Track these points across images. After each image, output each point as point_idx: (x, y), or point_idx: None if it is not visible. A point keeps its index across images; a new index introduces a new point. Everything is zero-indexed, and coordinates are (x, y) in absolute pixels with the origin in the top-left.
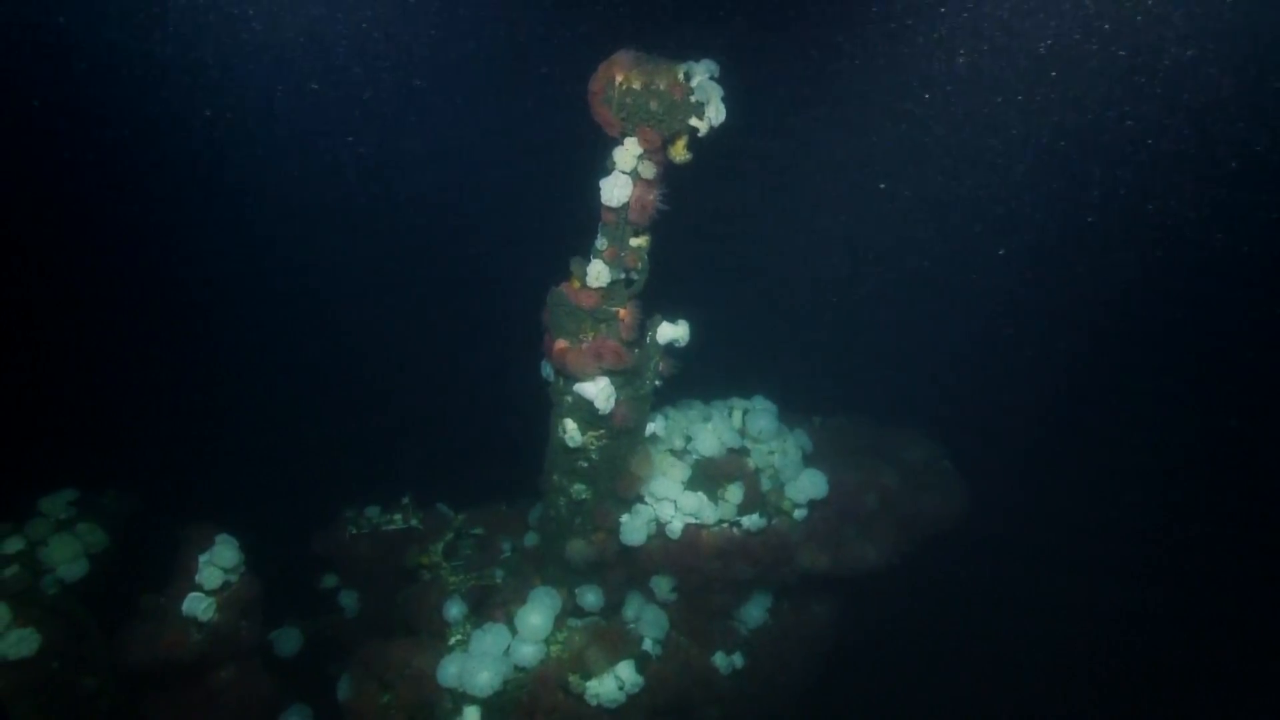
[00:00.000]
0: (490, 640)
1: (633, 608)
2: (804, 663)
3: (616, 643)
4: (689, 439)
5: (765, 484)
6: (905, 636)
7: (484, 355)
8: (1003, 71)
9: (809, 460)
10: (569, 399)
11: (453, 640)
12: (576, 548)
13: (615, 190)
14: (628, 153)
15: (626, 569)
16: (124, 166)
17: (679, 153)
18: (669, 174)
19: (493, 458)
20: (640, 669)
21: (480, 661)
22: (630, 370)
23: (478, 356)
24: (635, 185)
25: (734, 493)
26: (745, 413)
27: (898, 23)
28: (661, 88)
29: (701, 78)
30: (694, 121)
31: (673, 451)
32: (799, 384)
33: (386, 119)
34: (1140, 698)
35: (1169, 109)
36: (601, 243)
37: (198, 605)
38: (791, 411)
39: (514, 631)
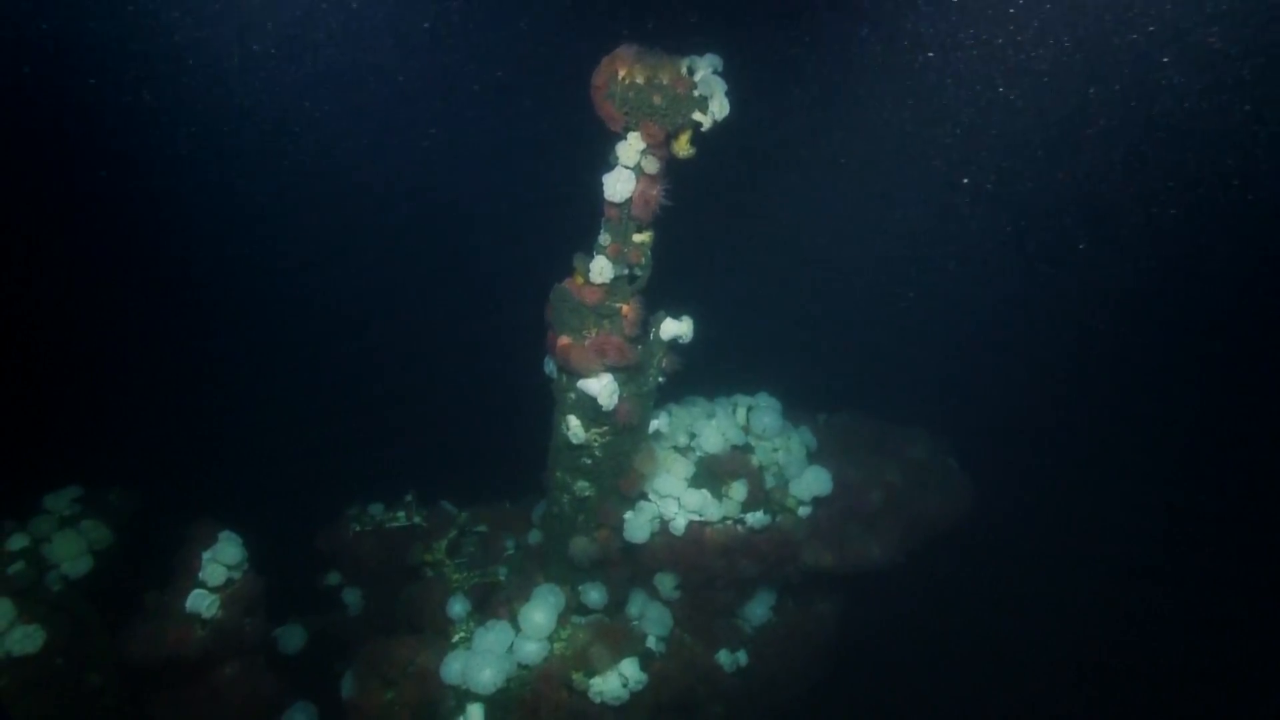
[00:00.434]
0: (494, 638)
1: (636, 605)
2: (808, 661)
3: (620, 640)
4: (693, 436)
5: (769, 481)
6: (909, 634)
7: (487, 352)
8: (1013, 64)
9: (813, 457)
10: (572, 396)
11: (456, 638)
12: (580, 545)
13: (618, 185)
14: (631, 148)
15: (630, 566)
16: (128, 166)
17: (682, 148)
18: (672, 169)
19: (496, 455)
20: (644, 666)
21: (484, 659)
22: (633, 367)
23: (480, 353)
24: (638, 180)
25: (738, 490)
26: (749, 410)
27: (907, 16)
28: (665, 82)
29: (705, 72)
30: (697, 116)
31: (676, 448)
32: (803, 381)
33: (388, 117)
34: (1143, 697)
35: (1175, 107)
36: (604, 238)
37: (201, 602)
38: (796, 408)
39: (517, 629)
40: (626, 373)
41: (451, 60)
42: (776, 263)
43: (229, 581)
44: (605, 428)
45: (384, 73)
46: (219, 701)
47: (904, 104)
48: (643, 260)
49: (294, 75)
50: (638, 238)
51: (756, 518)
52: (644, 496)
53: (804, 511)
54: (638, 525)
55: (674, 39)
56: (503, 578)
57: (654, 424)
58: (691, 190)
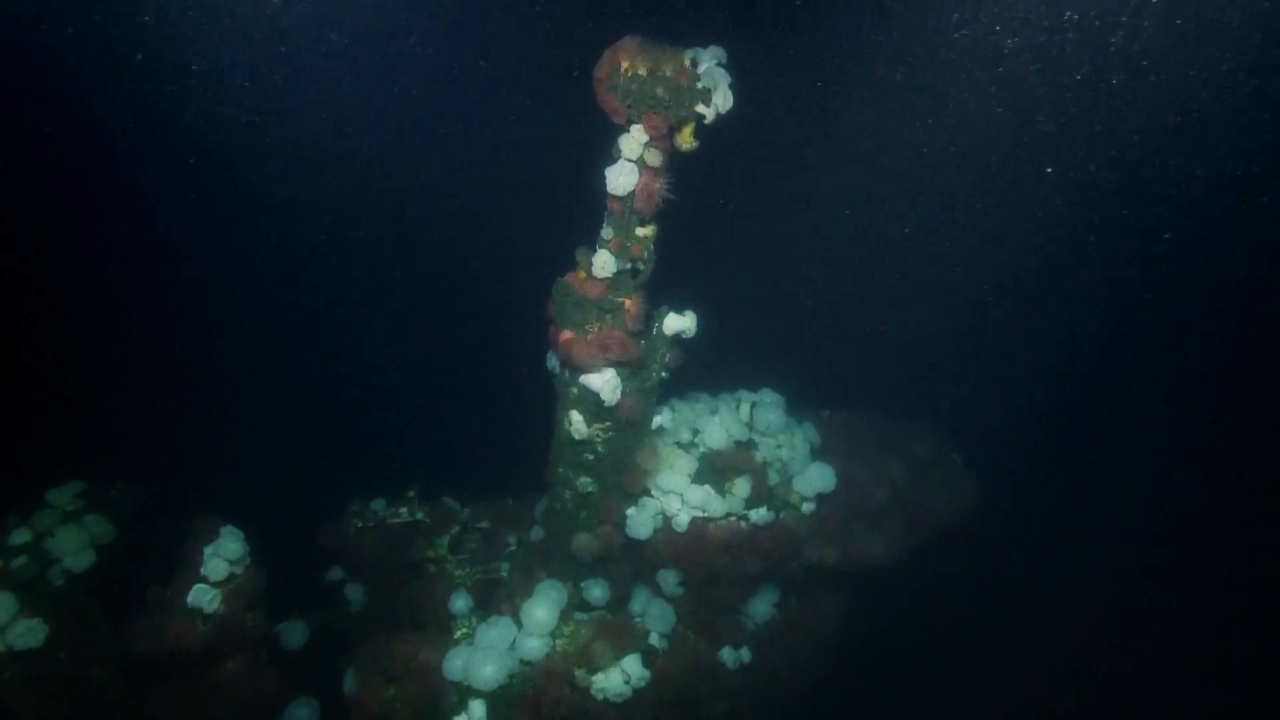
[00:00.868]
0: (496, 634)
1: (639, 602)
2: (811, 658)
3: (623, 637)
4: (696, 432)
5: (773, 478)
6: (913, 632)
7: (489, 347)
8: (1019, 59)
9: (817, 454)
10: (574, 391)
11: (458, 634)
12: (582, 541)
13: (621, 178)
14: (633, 140)
15: (633, 563)
16: (131, 164)
17: (685, 140)
18: (675, 162)
19: (499, 451)
20: (646, 663)
21: (486, 655)
22: (636, 362)
23: (483, 348)
24: (641, 173)
25: (741, 486)
26: (753, 406)
27: (914, 10)
28: (668, 74)
29: (709, 64)
30: (701, 108)
31: (679, 444)
32: (807, 377)
33: (390, 113)
34: (1148, 697)
35: (1182, 105)
36: (607, 232)
37: (203, 597)
38: (800, 405)
39: (519, 625)
40: (629, 368)
41: (452, 53)
42: (781, 257)
43: (231, 576)
44: (608, 423)
45: (385, 67)
46: (221, 696)
47: (913, 98)
48: (645, 254)
49: (297, 72)
50: (640, 232)
51: (760, 514)
52: (647, 492)
53: (808, 508)
54: (640, 521)
55: (677, 31)
56: (505, 574)
57: (657, 419)
58: (695, 184)
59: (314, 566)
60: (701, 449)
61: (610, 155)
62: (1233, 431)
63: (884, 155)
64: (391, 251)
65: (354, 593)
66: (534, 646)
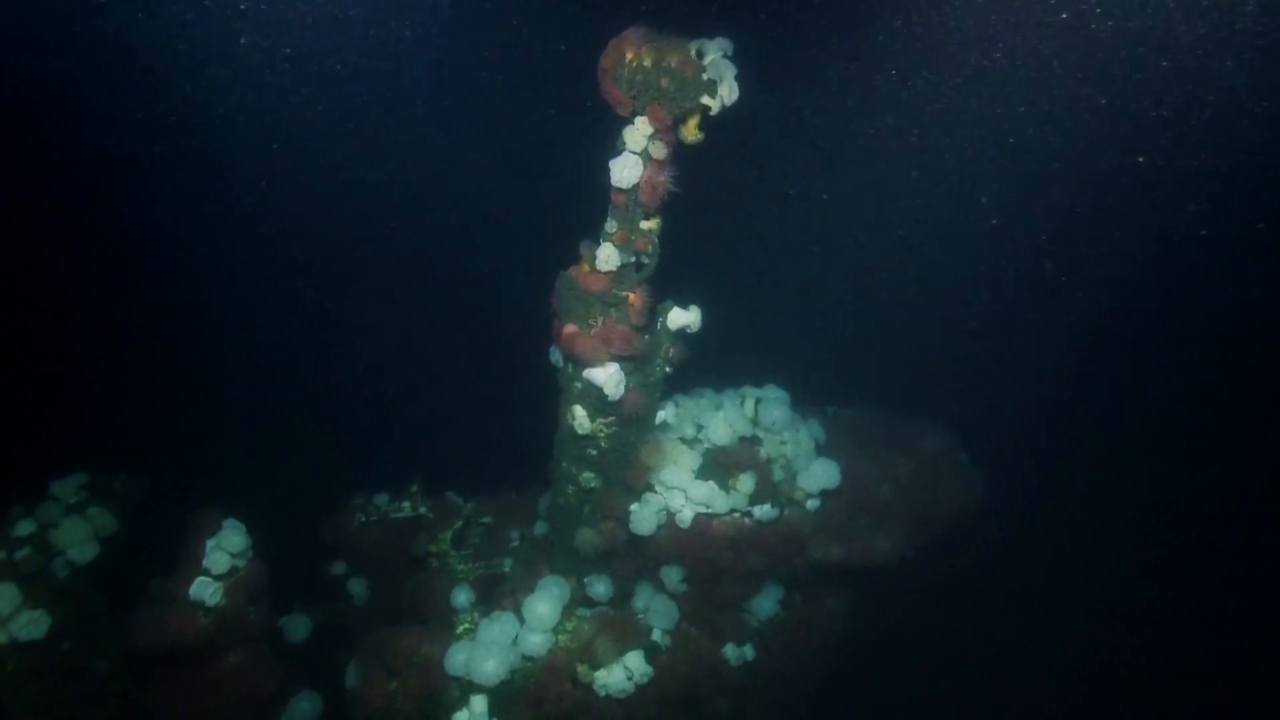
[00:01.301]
0: (498, 629)
1: (642, 598)
2: (815, 656)
3: (625, 633)
4: (700, 427)
5: (777, 474)
6: (918, 630)
7: (493, 342)
8: (1028, 58)
9: (822, 450)
10: (578, 385)
11: (460, 629)
12: (585, 537)
13: (625, 171)
14: (638, 132)
15: (636, 559)
16: (139, 160)
17: (691, 133)
18: (680, 155)
19: (502, 445)
20: (649, 660)
21: (487, 650)
22: (640, 356)
23: (486, 343)
24: (645, 166)
25: (745, 482)
26: (758, 401)
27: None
28: (673, 65)
29: (714, 55)
30: (706, 100)
31: (683, 440)
32: (812, 373)
33: (392, 105)
34: (1153, 696)
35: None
36: (611, 225)
37: (205, 590)
38: (804, 401)
39: (522, 621)
40: (633, 362)
41: (455, 45)
42: (786, 252)
43: (233, 569)
44: (611, 418)
45: (389, 60)
46: (223, 689)
47: (926, 90)
48: (650, 248)
49: (300, 67)
50: (645, 225)
51: (764, 510)
52: (650, 488)
53: (812, 505)
54: (644, 517)
55: (683, 22)
56: (507, 569)
57: (661, 415)
58: (699, 177)
59: (317, 560)
60: (705, 445)
61: (615, 147)
62: (1240, 432)
63: (895, 150)
64: (395, 246)
65: (357, 587)
66: (536, 642)
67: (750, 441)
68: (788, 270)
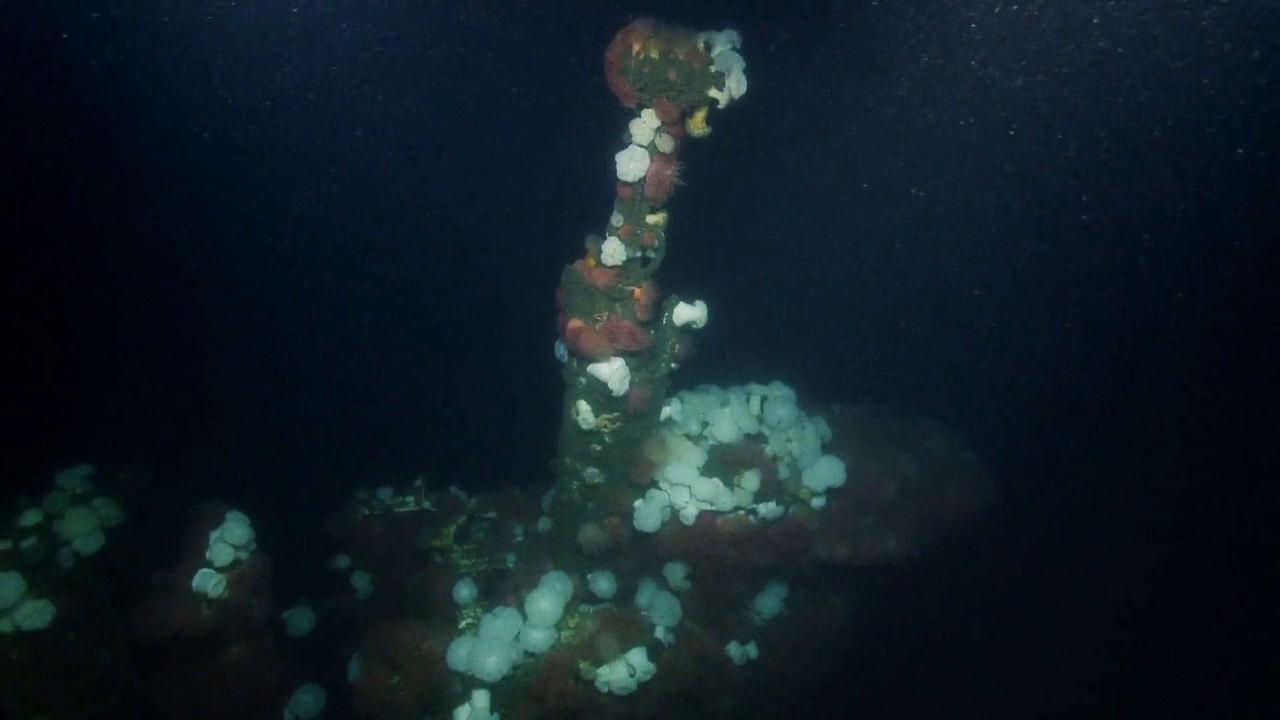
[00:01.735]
0: (500, 625)
1: (646, 595)
2: (819, 655)
3: (628, 630)
4: (705, 424)
5: (783, 472)
6: (923, 630)
7: (498, 336)
8: (1031, 53)
9: (828, 449)
10: (583, 380)
11: (463, 624)
12: (589, 533)
13: (631, 164)
14: (645, 125)
15: (640, 555)
16: (144, 153)
17: (698, 126)
18: (687, 148)
19: (506, 440)
20: (652, 657)
21: (490, 646)
22: (645, 352)
23: (491, 337)
24: (652, 160)
25: (750, 480)
26: (763, 399)
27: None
28: (680, 57)
29: (723, 48)
30: (713, 93)
31: (688, 436)
32: (819, 371)
33: (398, 98)
34: (1159, 697)
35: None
36: (617, 219)
37: (208, 581)
38: (811, 399)
39: (524, 617)
40: (638, 358)
41: (460, 37)
42: (794, 249)
43: (236, 561)
44: (616, 414)
45: (392, 53)
46: (226, 681)
47: (935, 85)
48: (656, 242)
49: (306, 63)
50: (651, 219)
51: (769, 508)
52: (655, 485)
53: (817, 503)
54: (648, 514)
55: (691, 14)
56: (511, 565)
57: (666, 411)
58: (707, 170)
59: (320, 554)
60: (710, 441)
61: (621, 140)
62: (1250, 432)
63: (905, 145)
64: (401, 239)
65: (360, 581)
66: (539, 638)
67: (756, 439)
68: (794, 266)
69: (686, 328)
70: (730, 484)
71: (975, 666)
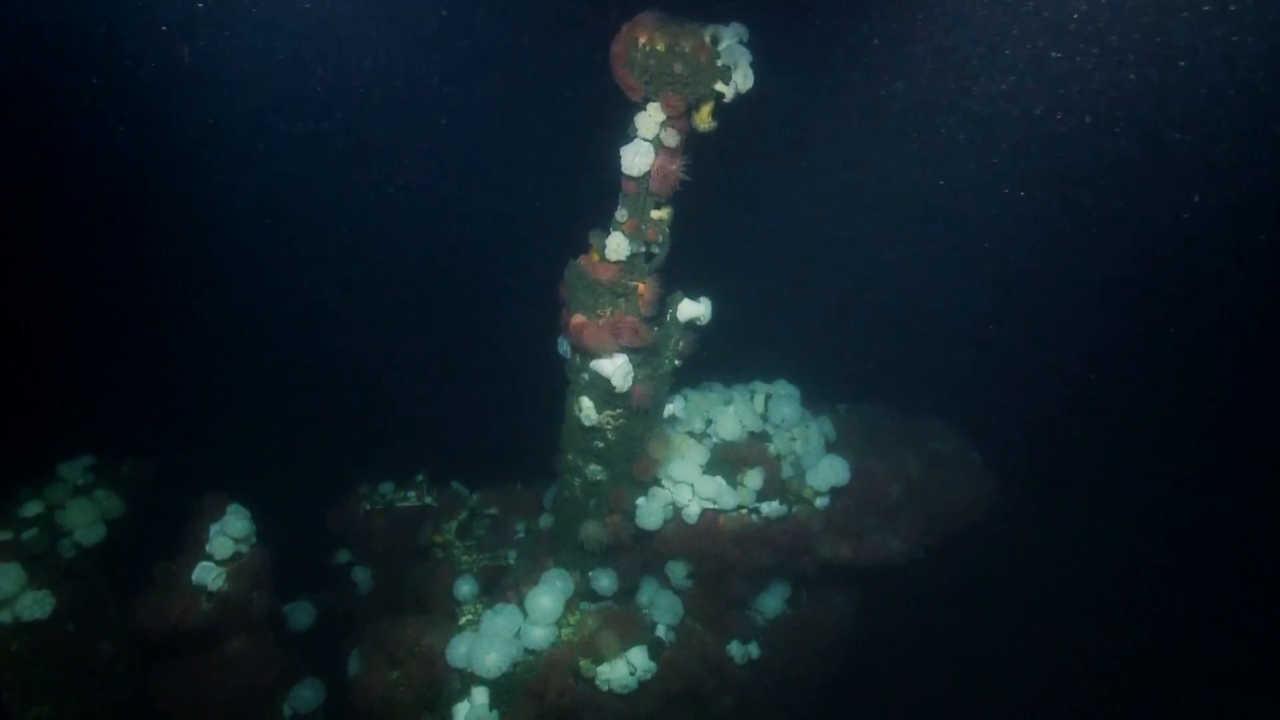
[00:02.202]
0: (501, 621)
1: (647, 593)
2: (822, 655)
3: (629, 628)
4: (709, 422)
5: (786, 471)
6: (927, 632)
7: (501, 331)
8: (1045, 46)
9: (832, 448)
10: (585, 376)
11: (463, 620)
12: (590, 530)
13: (636, 159)
14: (650, 119)
15: (641, 553)
16: (148, 145)
17: (704, 120)
18: (693, 143)
19: (509, 436)
20: (653, 655)
21: (490, 643)
22: (649, 348)
23: (494, 333)
24: (657, 154)
25: (753, 478)
26: (767, 397)
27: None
28: (686, 50)
29: (729, 41)
30: (720, 86)
31: (692, 434)
32: (824, 370)
33: (400, 90)
34: (1165, 698)
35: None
36: (621, 214)
37: (207, 574)
38: (815, 398)
39: (525, 614)
40: (641, 354)
41: (463, 28)
42: (800, 246)
43: (236, 555)
44: (619, 410)
45: (395, 46)
46: (225, 675)
47: (946, 82)
48: (660, 238)
49: (310, 60)
50: (656, 214)
51: (772, 507)
52: (657, 482)
53: (821, 502)
54: (650, 511)
55: (698, 7)
56: (512, 561)
57: (669, 408)
58: (712, 166)
59: (322, 548)
60: (714, 439)
61: (626, 134)
62: (1256, 432)
63: (914, 143)
64: (404, 233)
65: (361, 575)
66: (539, 635)
67: (759, 437)
68: (800, 264)
69: (690, 324)
70: (733, 482)
71: (978, 668)
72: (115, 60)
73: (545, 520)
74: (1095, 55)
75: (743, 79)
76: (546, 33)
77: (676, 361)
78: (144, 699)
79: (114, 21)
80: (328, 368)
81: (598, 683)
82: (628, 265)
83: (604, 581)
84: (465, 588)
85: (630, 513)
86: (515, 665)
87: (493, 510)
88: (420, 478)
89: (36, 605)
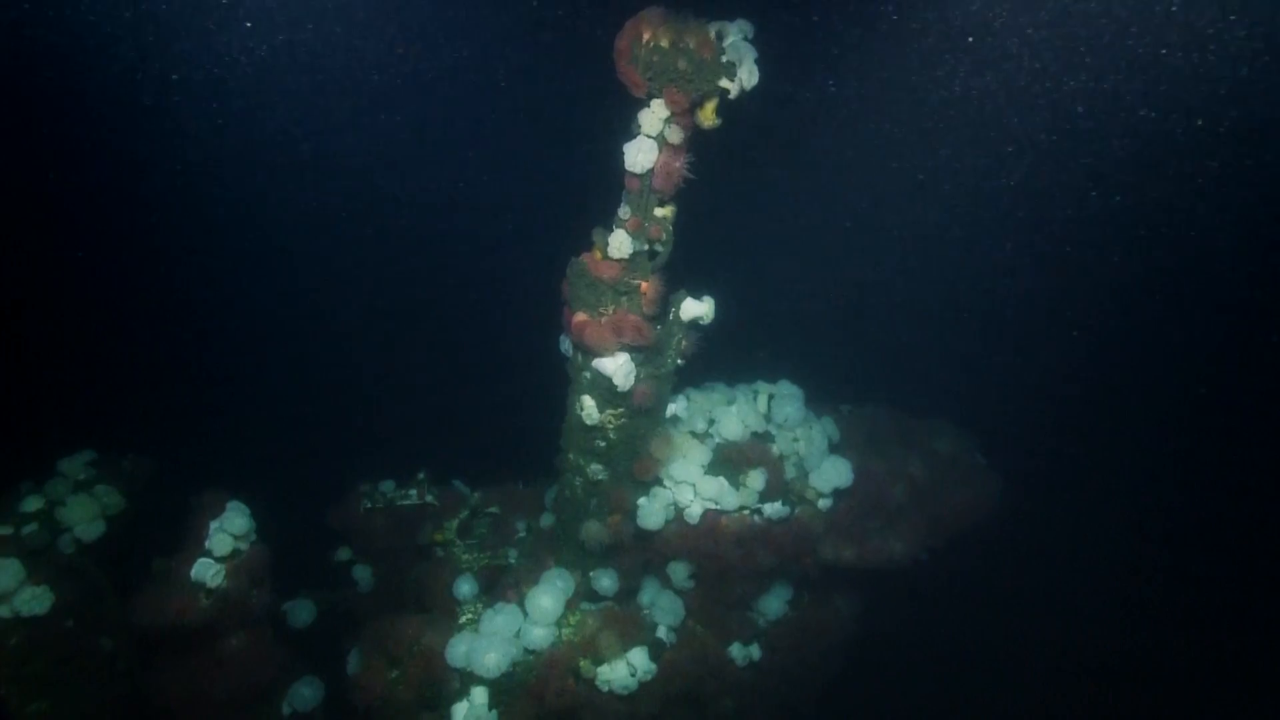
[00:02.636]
0: (501, 621)
1: (648, 594)
2: (823, 658)
3: (630, 628)
4: (711, 422)
5: (789, 472)
6: (929, 635)
7: (503, 330)
8: (1053, 49)
9: (835, 449)
10: (587, 375)
11: (463, 619)
12: (591, 530)
13: (640, 155)
14: (654, 115)
15: (643, 553)
16: (147, 141)
17: (708, 117)
18: (697, 140)
19: (511, 435)
20: (653, 656)
21: (489, 642)
22: (651, 347)
23: (497, 330)
24: (661, 151)
25: (756, 479)
26: (770, 397)
27: None
28: (691, 46)
29: (734, 37)
30: (724, 83)
31: (694, 434)
32: (827, 370)
33: (402, 89)
34: (1168, 699)
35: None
36: (624, 212)
37: (206, 571)
38: (819, 398)
39: (525, 613)
40: (644, 353)
41: (466, 25)
42: (804, 246)
43: (235, 552)
44: (621, 409)
45: (397, 42)
46: (224, 671)
47: (949, 81)
48: (664, 236)
49: (313, 59)
50: (659, 212)
51: (774, 508)
52: (659, 482)
53: (824, 504)
54: (651, 511)
55: (703, 2)
56: (512, 560)
57: (671, 408)
58: (717, 163)
59: (323, 546)
60: (716, 439)
61: (629, 131)
62: (1261, 434)
63: (918, 142)
64: (406, 231)
65: (362, 574)
66: (539, 635)
67: (762, 438)
68: (804, 263)
69: (693, 323)
70: (736, 483)
71: (981, 671)
72: (115, 60)
73: (547, 519)
74: (1104, 54)
75: (748, 76)
76: (550, 29)
77: (679, 360)
78: (143, 695)
79: (112, 21)
80: (329, 365)
81: (598, 683)
82: (630, 263)
83: (605, 582)
84: (465, 587)
85: (631, 513)
86: (515, 665)
87: (494, 509)
88: (421, 476)
89: (35, 601)
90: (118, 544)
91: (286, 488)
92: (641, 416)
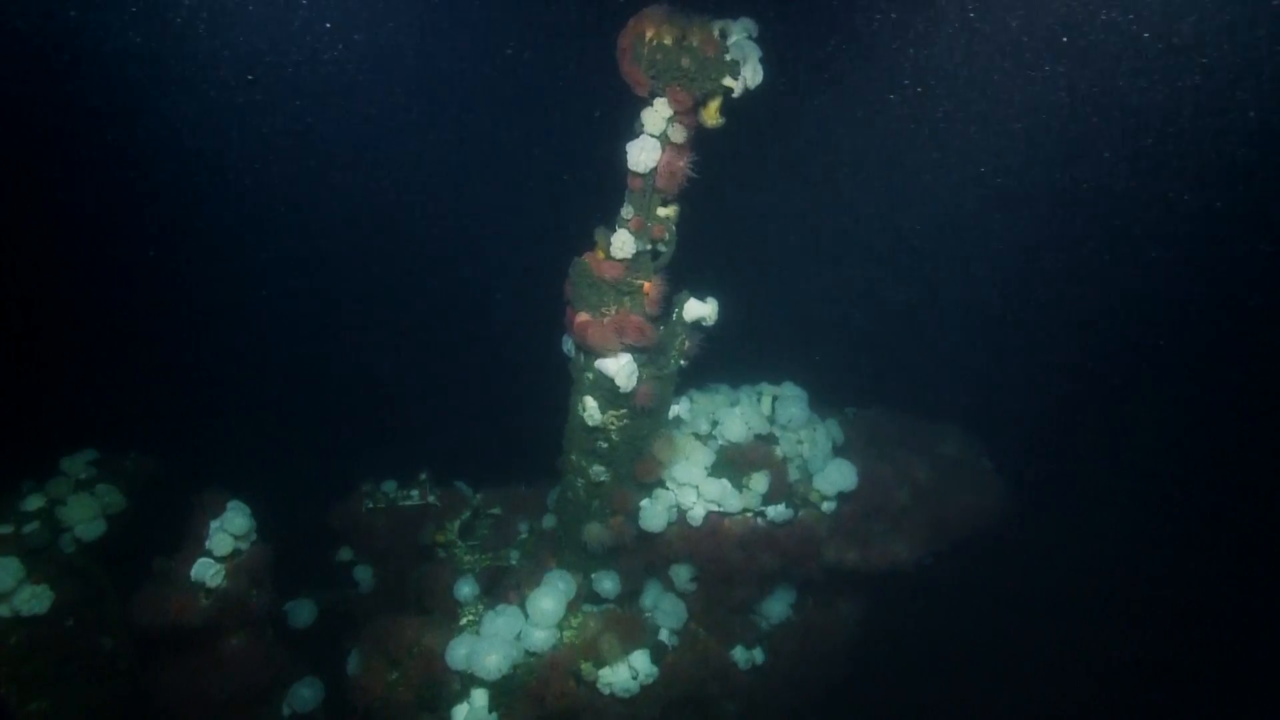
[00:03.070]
0: (502, 623)
1: (650, 596)
2: (827, 661)
3: (632, 631)
4: (714, 423)
5: (793, 474)
6: (933, 639)
7: (505, 330)
8: (1046, 50)
9: (839, 452)
10: (590, 376)
11: (464, 621)
12: (593, 532)
13: (642, 155)
14: (657, 114)
15: (645, 556)
16: (148, 140)
17: (711, 116)
18: (700, 139)
19: (513, 436)
20: (655, 659)
21: (490, 644)
22: (654, 348)
23: (499, 331)
24: (664, 150)
25: (759, 481)
26: (774, 399)
27: None
28: (695, 44)
29: (739, 36)
30: (728, 82)
31: (697, 435)
32: (832, 372)
33: (404, 88)
34: (1171, 701)
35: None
36: (627, 211)
37: (206, 571)
38: (823, 401)
39: (526, 615)
40: (646, 354)
41: (468, 22)
42: (809, 246)
43: (236, 552)
44: (623, 410)
45: (399, 40)
46: (224, 672)
47: (956, 83)
48: (667, 236)
49: (315, 60)
50: (662, 211)
51: (778, 511)
52: (661, 484)
53: (828, 507)
54: (654, 513)
55: (708, 0)
56: (514, 562)
57: (674, 409)
58: (721, 163)
59: (324, 546)
60: (719, 441)
61: (632, 130)
62: (1266, 435)
63: (923, 144)
64: (408, 231)
65: (363, 574)
66: (540, 638)
67: (766, 440)
68: (809, 264)
69: (697, 324)
70: (739, 485)
71: (986, 675)
72: (115, 60)
73: (549, 521)
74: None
75: (752, 74)
76: (552, 27)
77: (682, 362)
78: (143, 695)
79: (115, 22)
80: (331, 365)
81: (599, 686)
82: (633, 263)
83: (607, 584)
84: (466, 588)
85: (634, 514)
86: (516, 667)
87: (496, 510)
88: (423, 476)
89: (36, 600)
90: (118, 543)
91: (288, 487)
92: (644, 418)
